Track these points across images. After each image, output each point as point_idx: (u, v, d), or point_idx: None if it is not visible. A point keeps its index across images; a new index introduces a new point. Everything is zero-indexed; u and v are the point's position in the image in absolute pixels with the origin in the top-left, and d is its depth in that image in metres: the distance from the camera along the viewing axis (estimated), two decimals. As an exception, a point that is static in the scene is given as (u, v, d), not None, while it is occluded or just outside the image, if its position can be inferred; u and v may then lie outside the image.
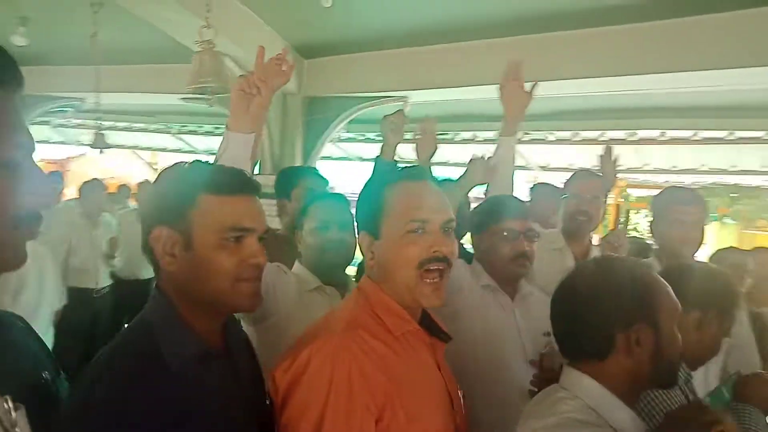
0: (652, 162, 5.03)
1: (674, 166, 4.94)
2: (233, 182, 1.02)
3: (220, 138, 1.51)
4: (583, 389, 1.04)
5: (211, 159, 1.47)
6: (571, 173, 2.47)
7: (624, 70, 3.06)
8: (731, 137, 3.97)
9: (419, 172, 1.20)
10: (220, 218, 0.97)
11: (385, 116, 2.12)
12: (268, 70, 1.52)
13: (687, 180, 5.07)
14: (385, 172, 1.27)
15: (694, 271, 1.42)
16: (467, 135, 5.06)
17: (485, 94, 3.68)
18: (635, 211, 7.57)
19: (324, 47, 4.02)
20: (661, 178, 5.62)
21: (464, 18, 3.26)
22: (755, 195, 7.17)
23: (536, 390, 1.58)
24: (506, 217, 1.76)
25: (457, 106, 4.49)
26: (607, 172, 2.45)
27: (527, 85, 2.06)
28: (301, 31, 3.74)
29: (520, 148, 5.09)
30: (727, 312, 1.39)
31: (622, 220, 2.02)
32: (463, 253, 2.39)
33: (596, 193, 2.29)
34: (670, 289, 1.03)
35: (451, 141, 5.20)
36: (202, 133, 6.28)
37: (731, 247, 2.81)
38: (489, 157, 2.16)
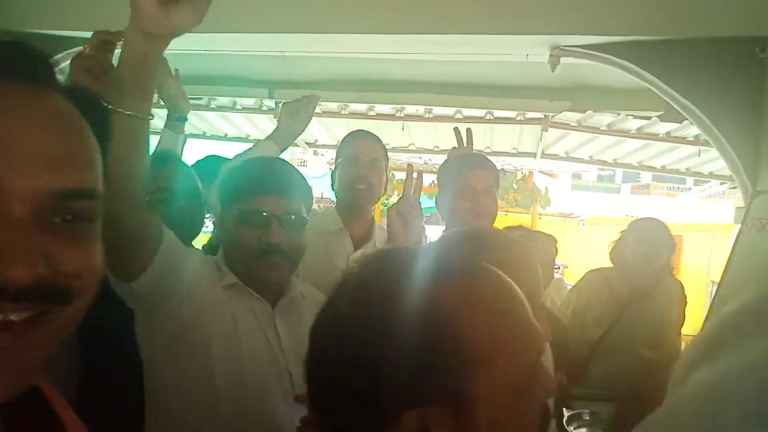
0: (416, 142, 4.98)
1: (436, 147, 4.96)
2: None
3: None
4: None
5: None
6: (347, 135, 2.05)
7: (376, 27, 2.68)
8: (489, 117, 4.02)
9: None
10: None
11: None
12: None
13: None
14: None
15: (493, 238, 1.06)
16: (225, 101, 4.36)
17: (248, 46, 3.10)
18: (399, 194, 7.73)
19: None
20: (421, 160, 5.69)
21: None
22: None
23: (306, 438, 1.10)
24: (254, 193, 1.23)
25: (216, 63, 3.78)
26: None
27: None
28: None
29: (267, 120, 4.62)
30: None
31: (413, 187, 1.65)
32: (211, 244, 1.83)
33: (376, 155, 1.90)
34: (511, 301, 0.57)
35: (206, 108, 4.45)
36: None
37: (520, 225, 2.72)
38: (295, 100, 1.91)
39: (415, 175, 1.57)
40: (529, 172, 7.31)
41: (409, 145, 4.98)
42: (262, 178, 1.26)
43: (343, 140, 2.02)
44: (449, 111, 4.08)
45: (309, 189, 1.35)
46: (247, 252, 1.22)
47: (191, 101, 4.46)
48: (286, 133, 1.87)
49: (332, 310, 0.58)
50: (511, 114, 3.95)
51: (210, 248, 1.72)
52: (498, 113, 3.95)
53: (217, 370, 1.16)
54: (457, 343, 0.51)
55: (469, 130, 2.04)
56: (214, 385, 1.15)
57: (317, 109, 4.35)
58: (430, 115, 4.16)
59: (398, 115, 4.19)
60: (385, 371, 0.51)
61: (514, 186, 7.80)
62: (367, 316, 0.54)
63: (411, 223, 1.50)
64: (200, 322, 1.17)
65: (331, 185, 1.98)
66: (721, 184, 7.14)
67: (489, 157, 4.98)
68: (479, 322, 0.52)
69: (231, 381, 1.15)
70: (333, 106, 4.21)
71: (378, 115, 4.22)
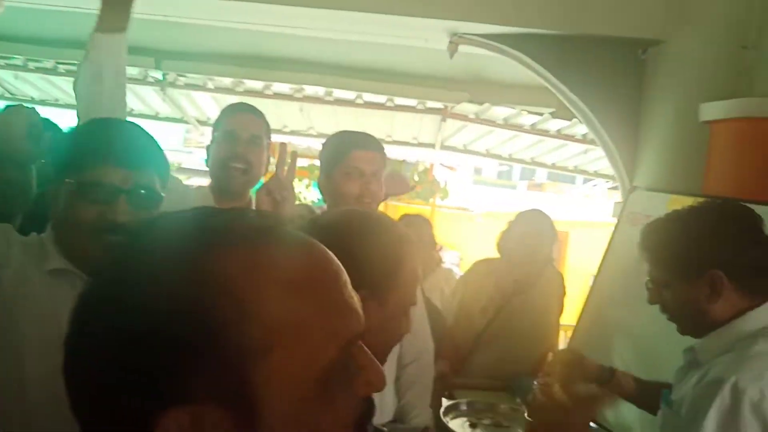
0: (316, 126, 4.84)
1: (337, 132, 4.85)
2: None
3: None
4: None
5: None
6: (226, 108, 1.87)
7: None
8: (390, 104, 3.97)
9: None
10: None
11: None
12: None
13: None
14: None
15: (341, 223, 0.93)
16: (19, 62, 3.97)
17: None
18: (298, 179, 7.51)
19: None
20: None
21: None
22: (398, 168, 7.89)
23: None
24: (97, 162, 1.04)
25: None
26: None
27: None
28: None
29: (173, 93, 4.29)
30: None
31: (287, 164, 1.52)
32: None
33: (257, 131, 1.74)
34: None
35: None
36: None
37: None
38: None
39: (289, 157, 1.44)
40: (430, 164, 7.40)
41: (309, 129, 4.84)
42: (108, 145, 1.06)
43: (220, 113, 1.84)
44: (350, 95, 3.98)
45: (165, 160, 1.18)
46: (83, 231, 1.02)
47: (69, 67, 4.05)
48: None
49: (88, 284, 0.45)
50: (412, 102, 3.93)
51: (29, 221, 1.44)
52: (399, 101, 3.90)
53: (31, 376, 0.96)
54: (237, 323, 0.39)
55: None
56: (27, 392, 0.96)
57: (209, 85, 4.11)
58: (331, 98, 4.04)
59: (297, 96, 4.03)
60: (140, 359, 0.38)
61: (415, 178, 7.87)
62: (117, 286, 0.42)
63: (281, 204, 1.36)
64: (9, 319, 0.97)
65: (206, 161, 1.80)
66: (606, 182, 7.62)
67: (390, 147, 4.98)
68: (268, 297, 0.40)
69: (49, 385, 0.96)
70: (227, 81, 3.97)
71: (275, 94, 4.04)
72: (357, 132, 1.72)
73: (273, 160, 1.66)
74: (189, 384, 0.38)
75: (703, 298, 1.17)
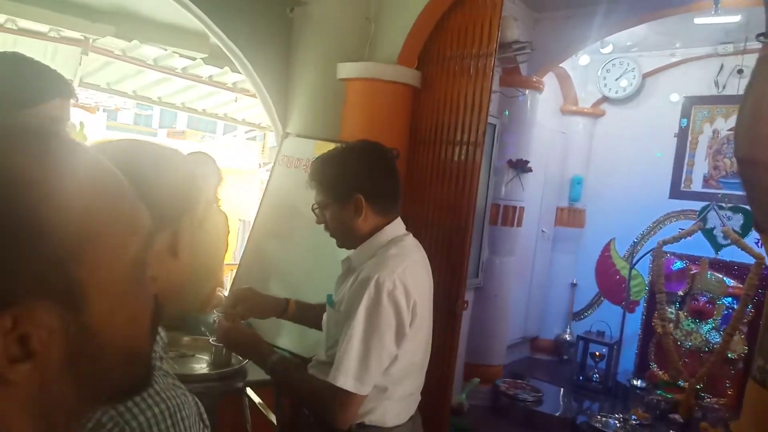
0: None
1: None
2: None
3: None
4: None
5: None
6: None
7: None
8: (12, 26, 3.35)
9: None
10: None
11: None
12: None
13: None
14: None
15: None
16: None
17: None
18: None
19: None
20: None
21: None
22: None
23: None
24: None
25: None
26: None
27: None
28: None
29: None
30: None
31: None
32: None
33: None
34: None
35: None
36: None
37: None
38: None
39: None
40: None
41: None
42: None
43: None
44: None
45: None
46: None
47: None
48: None
49: None
50: (42, 28, 3.39)
51: None
52: (24, 23, 3.32)
53: None
54: (55, 215, 0.39)
55: None
56: None
57: None
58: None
59: None
60: None
61: (41, 118, 6.77)
62: None
63: None
64: None
65: None
66: (246, 132, 7.99)
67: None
68: (77, 192, 0.42)
69: None
70: None
71: None
72: None
73: None
74: (9, 285, 0.37)
75: (351, 216, 1.49)
